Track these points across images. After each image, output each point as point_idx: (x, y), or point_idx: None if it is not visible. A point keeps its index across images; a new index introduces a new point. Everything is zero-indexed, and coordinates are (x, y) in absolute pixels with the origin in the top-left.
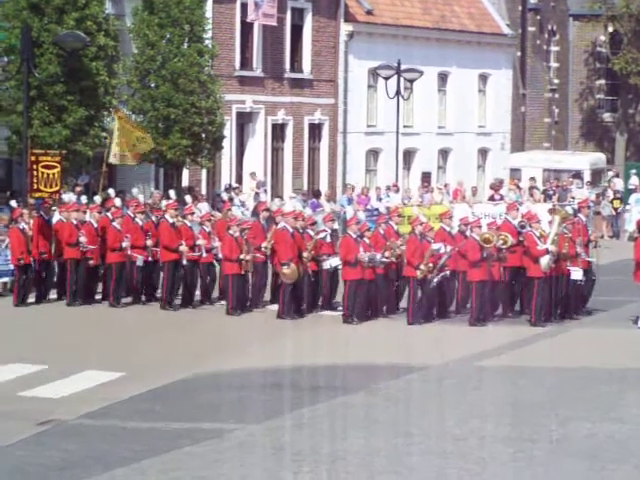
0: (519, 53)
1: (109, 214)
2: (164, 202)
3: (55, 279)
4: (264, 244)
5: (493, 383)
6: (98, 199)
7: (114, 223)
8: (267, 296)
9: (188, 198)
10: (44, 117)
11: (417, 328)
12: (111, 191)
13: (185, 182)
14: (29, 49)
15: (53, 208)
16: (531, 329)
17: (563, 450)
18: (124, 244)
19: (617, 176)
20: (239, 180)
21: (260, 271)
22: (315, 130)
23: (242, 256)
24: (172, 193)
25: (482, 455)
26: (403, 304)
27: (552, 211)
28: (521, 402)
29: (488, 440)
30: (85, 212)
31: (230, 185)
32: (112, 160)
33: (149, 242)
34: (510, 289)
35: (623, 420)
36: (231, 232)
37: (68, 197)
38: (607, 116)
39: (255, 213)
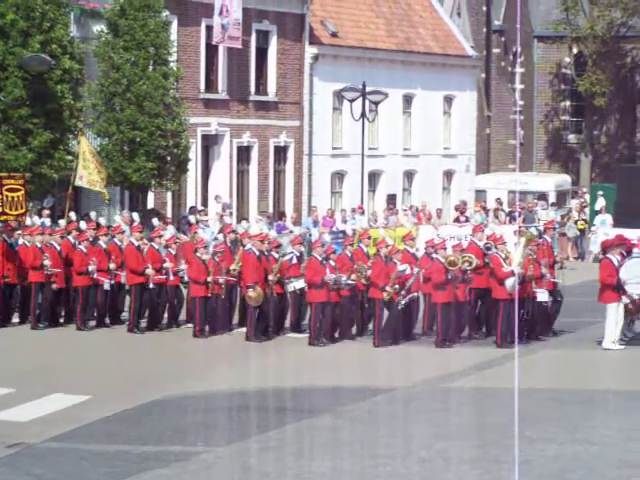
0: (484, 75)
1: (70, 237)
2: (118, 218)
3: (18, 303)
4: (232, 266)
5: (459, 405)
6: (63, 222)
7: (80, 246)
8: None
9: (155, 221)
10: (9, 140)
11: (383, 350)
12: (72, 215)
13: (150, 205)
14: None
15: (18, 232)
16: (497, 351)
17: (530, 471)
18: (90, 267)
19: (575, 197)
20: (204, 203)
21: (228, 293)
22: (280, 152)
23: (210, 278)
24: (136, 216)
25: (448, 477)
26: (370, 326)
27: (518, 233)
28: (487, 423)
29: (454, 462)
30: (51, 235)
31: (194, 207)
32: (78, 183)
33: (112, 265)
34: (476, 311)
35: (590, 441)
36: (198, 254)
37: (31, 221)
38: (572, 137)
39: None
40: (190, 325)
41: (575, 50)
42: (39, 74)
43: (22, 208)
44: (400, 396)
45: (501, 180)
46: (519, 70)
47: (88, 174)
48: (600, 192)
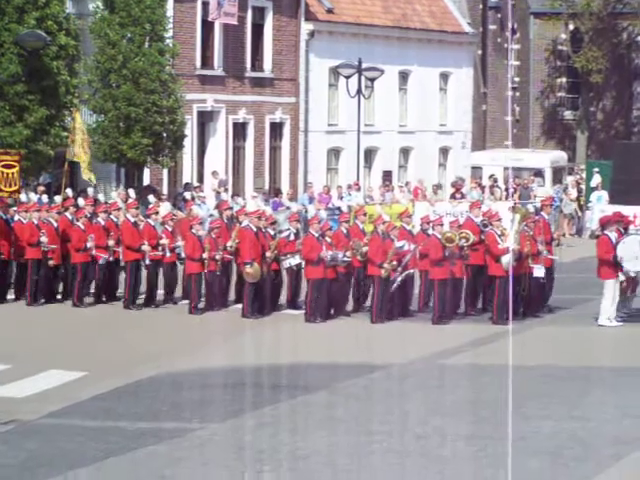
0: (480, 51)
1: (67, 214)
2: (114, 195)
3: (13, 279)
4: (229, 243)
5: (455, 381)
6: (59, 199)
7: (78, 223)
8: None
9: (151, 197)
10: (5, 117)
11: (379, 327)
12: (69, 191)
13: (146, 181)
14: None
15: (14, 208)
16: (493, 327)
17: (525, 448)
18: (89, 244)
19: (571, 174)
20: (200, 179)
21: (224, 270)
22: (276, 129)
23: (206, 255)
24: (132, 192)
25: (444, 453)
26: (367, 302)
27: (512, 209)
28: (483, 400)
29: (450, 438)
30: (47, 212)
31: (190, 184)
32: (71, 157)
33: (111, 242)
34: (473, 287)
35: (586, 418)
36: (194, 231)
37: (27, 197)
38: (568, 114)
39: (218, 212)
40: (186, 302)
41: (571, 27)
42: (35, 50)
43: (16, 185)
44: (396, 373)
45: (496, 157)
46: (515, 47)
47: (80, 147)
48: (596, 169)
